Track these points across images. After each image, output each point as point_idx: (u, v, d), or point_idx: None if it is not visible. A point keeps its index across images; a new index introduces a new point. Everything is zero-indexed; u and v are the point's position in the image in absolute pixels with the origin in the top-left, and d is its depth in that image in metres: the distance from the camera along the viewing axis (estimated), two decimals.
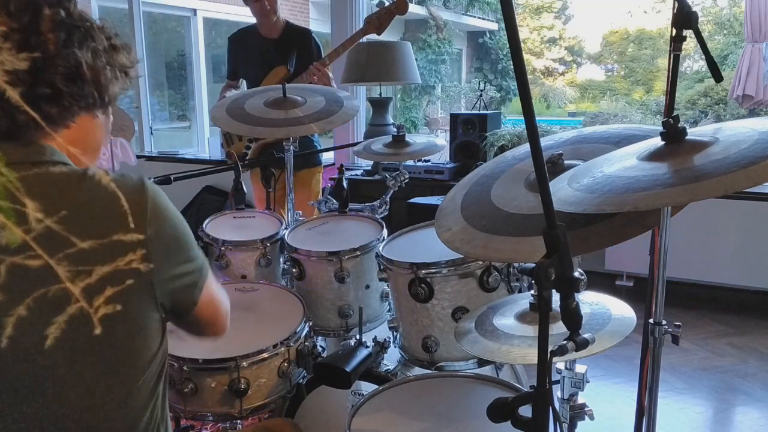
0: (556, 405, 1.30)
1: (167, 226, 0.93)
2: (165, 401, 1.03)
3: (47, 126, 0.87)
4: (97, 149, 1.01)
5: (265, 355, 1.51)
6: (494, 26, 16.25)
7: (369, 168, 4.45)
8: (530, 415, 0.89)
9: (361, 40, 2.99)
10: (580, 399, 1.38)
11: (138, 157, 4.61)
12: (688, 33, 1.32)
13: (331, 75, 3.02)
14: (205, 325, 1.07)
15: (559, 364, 1.36)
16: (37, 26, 0.85)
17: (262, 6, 3.00)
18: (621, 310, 1.27)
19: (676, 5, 1.29)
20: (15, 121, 0.85)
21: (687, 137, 1.04)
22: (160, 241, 0.91)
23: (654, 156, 1.03)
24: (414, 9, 13.05)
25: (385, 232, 1.87)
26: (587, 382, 1.36)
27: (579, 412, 1.37)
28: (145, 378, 0.96)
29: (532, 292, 1.32)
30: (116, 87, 0.96)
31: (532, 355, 0.97)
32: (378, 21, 2.83)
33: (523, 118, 0.79)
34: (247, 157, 2.97)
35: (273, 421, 1.50)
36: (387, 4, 2.84)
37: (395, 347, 1.72)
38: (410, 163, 4.18)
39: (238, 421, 1.55)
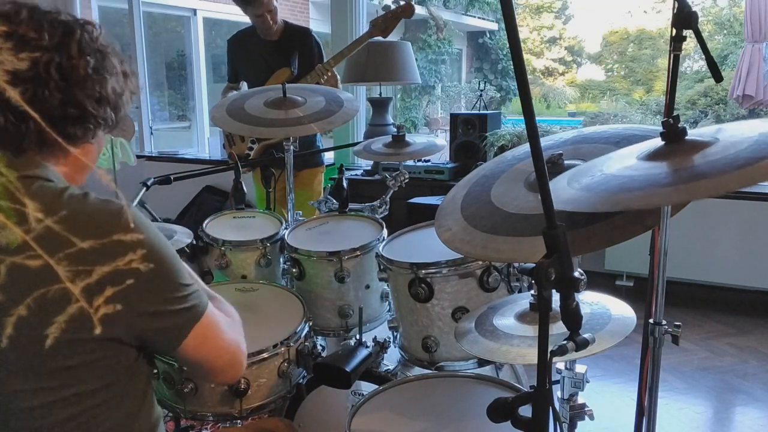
0: (556, 405, 1.30)
1: (161, 238, 0.93)
2: (154, 400, 1.03)
3: (67, 145, 0.89)
4: (90, 168, 1.02)
5: (265, 355, 1.51)
6: (494, 26, 16.25)
7: (369, 168, 4.45)
8: (530, 415, 0.89)
9: None
10: (580, 399, 1.38)
11: (138, 157, 4.61)
12: (688, 33, 1.32)
13: (338, 75, 3.03)
14: (199, 366, 1.02)
15: (559, 364, 1.36)
16: (68, 49, 0.87)
17: (264, 20, 2.99)
18: (621, 310, 1.26)
19: (676, 5, 1.29)
20: (40, 139, 0.87)
21: (687, 137, 1.04)
22: (159, 247, 0.91)
23: (653, 156, 1.03)
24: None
25: (385, 232, 1.87)
26: (587, 382, 1.36)
27: (579, 412, 1.37)
28: (139, 377, 0.96)
29: (532, 292, 1.32)
30: (126, 110, 0.99)
31: (532, 355, 0.97)
32: (384, 24, 2.84)
33: (523, 118, 0.80)
34: (249, 158, 2.97)
35: (268, 420, 1.51)
36: (393, 7, 2.84)
37: (395, 347, 1.72)
38: (410, 163, 4.17)
39: (238, 421, 1.55)
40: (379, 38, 2.91)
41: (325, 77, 2.90)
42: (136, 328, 0.89)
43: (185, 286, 0.94)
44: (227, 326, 1.04)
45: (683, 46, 1.33)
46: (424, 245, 1.70)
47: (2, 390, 0.87)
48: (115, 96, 0.94)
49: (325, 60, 3.05)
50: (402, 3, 2.84)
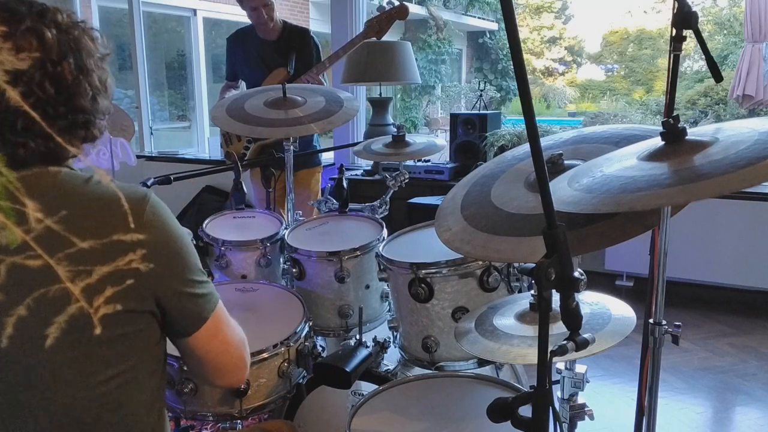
0: (556, 405, 1.30)
1: (167, 235, 0.93)
2: (163, 403, 1.03)
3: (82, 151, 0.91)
4: None
5: (265, 355, 1.51)
6: (494, 26, 16.26)
7: (369, 168, 4.45)
8: (530, 415, 0.89)
9: None
10: (580, 399, 1.38)
11: (138, 157, 4.61)
12: (688, 33, 1.32)
13: (325, 82, 3.04)
14: (207, 362, 1.05)
15: (559, 364, 1.36)
16: (49, 55, 0.85)
17: (259, 15, 3.00)
18: (621, 310, 1.27)
19: (676, 5, 1.29)
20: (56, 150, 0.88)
21: (687, 137, 1.04)
22: (161, 246, 0.91)
23: (653, 156, 1.03)
24: (414, 9, 13.05)
25: (385, 232, 1.87)
26: (587, 382, 1.36)
27: (579, 412, 1.37)
28: (144, 377, 0.96)
29: (532, 292, 1.32)
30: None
31: (532, 355, 0.97)
32: (378, 25, 2.84)
33: (523, 118, 0.79)
34: (246, 158, 2.98)
35: (271, 423, 1.51)
36: (387, 8, 2.84)
37: (395, 347, 1.72)
38: (410, 163, 4.18)
39: (238, 421, 1.55)
40: (375, 39, 2.92)
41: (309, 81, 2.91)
42: (165, 296, 0.91)
43: (193, 282, 0.95)
44: (235, 326, 1.07)
45: (683, 46, 1.33)
46: (424, 245, 1.70)
47: (1, 388, 0.87)
48: (101, 82, 0.92)
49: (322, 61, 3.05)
50: (396, 4, 2.84)
